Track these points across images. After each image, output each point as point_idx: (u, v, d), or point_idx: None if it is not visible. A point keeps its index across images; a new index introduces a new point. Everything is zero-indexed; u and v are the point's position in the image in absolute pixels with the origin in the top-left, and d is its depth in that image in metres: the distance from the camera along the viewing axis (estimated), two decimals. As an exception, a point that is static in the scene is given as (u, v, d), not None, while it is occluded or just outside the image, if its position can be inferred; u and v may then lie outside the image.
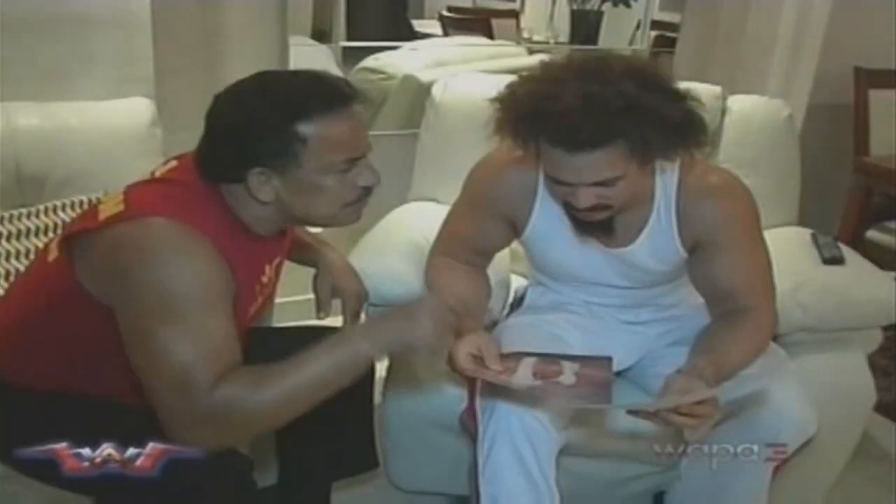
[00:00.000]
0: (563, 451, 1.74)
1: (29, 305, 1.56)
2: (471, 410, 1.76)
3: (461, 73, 2.70)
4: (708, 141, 1.62)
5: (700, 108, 1.57)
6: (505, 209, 1.85)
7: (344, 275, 1.87)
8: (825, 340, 2.03)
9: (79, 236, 1.44)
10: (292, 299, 2.23)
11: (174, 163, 1.57)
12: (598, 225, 1.70)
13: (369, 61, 3.16)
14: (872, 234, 3.09)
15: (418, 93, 3.03)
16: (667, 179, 1.73)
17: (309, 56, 3.03)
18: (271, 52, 2.80)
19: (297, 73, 1.51)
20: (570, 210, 1.68)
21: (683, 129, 1.55)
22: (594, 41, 3.94)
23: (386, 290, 1.94)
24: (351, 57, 3.25)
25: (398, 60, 3.23)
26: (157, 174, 1.56)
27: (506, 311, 2.05)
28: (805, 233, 2.31)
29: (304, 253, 1.88)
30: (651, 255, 1.80)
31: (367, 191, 1.51)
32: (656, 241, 1.78)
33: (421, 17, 3.66)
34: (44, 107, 2.27)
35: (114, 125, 2.30)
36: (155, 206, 1.40)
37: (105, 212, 1.43)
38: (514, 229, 1.88)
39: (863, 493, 2.34)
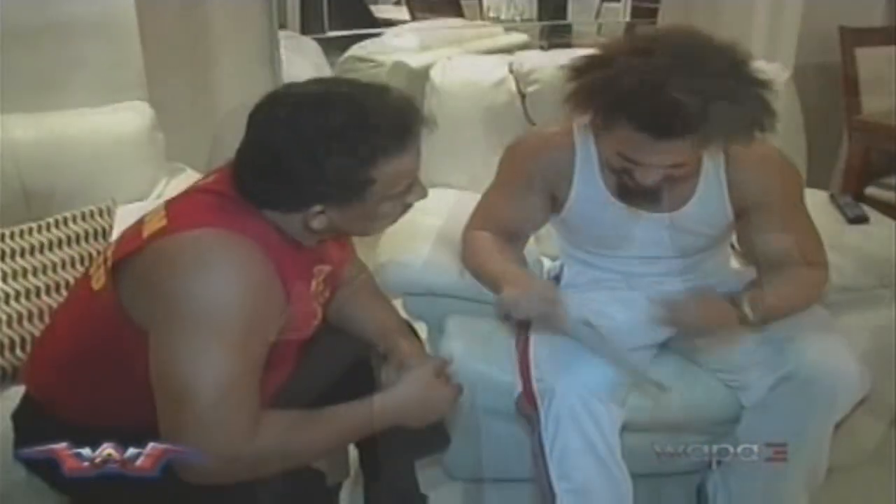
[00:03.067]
0: (624, 428, 1.75)
1: (75, 337, 1.49)
2: (528, 395, 1.75)
3: (456, 57, 2.67)
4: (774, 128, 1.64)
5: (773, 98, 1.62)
6: (546, 184, 1.88)
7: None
8: (861, 300, 2.05)
9: (124, 260, 1.38)
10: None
11: (214, 175, 1.49)
12: (648, 191, 1.72)
13: (356, 50, 3.12)
14: (872, 190, 3.12)
15: (409, 78, 3.02)
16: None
17: (293, 50, 3.00)
18: (260, 47, 2.74)
19: (360, 96, 1.37)
20: (627, 178, 1.71)
21: (762, 122, 1.60)
22: (563, 16, 3.93)
23: (423, 278, 1.96)
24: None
25: (384, 47, 3.19)
26: (199, 185, 1.49)
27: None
28: (822, 195, 2.33)
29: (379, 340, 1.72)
30: (700, 218, 1.84)
31: (411, 205, 1.49)
32: (707, 205, 1.82)
33: (375, 2, 3.62)
34: (40, 118, 2.24)
35: (114, 132, 2.28)
36: (198, 217, 1.36)
37: (149, 229, 1.38)
38: (554, 205, 1.90)
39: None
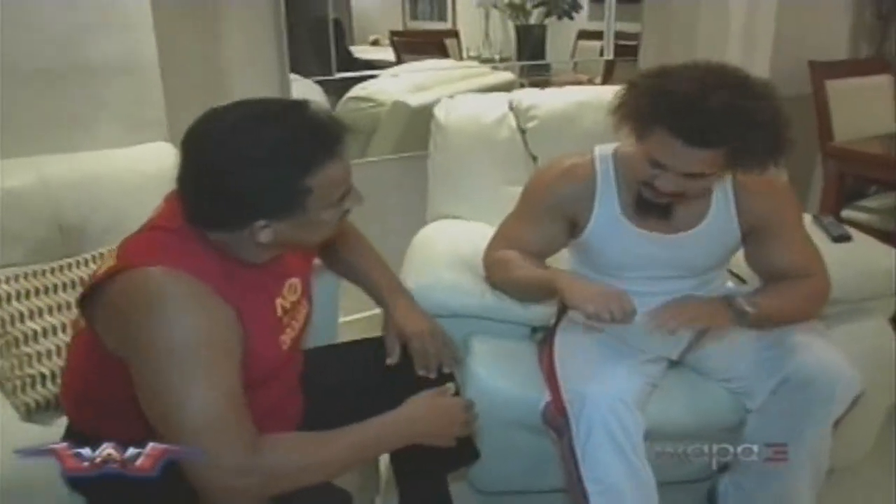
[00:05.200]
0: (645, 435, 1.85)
1: (82, 370, 1.59)
2: (557, 404, 1.86)
3: (457, 96, 2.79)
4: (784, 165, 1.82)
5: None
6: (567, 211, 2.02)
7: (410, 322, 1.83)
8: (849, 311, 2.19)
9: (86, 299, 1.46)
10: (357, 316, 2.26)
11: (164, 206, 1.54)
12: (660, 207, 1.91)
13: (357, 91, 3.24)
14: (848, 213, 3.32)
15: (409, 117, 3.14)
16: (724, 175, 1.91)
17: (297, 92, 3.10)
18: (272, 86, 2.87)
19: (283, 112, 1.43)
20: (646, 189, 1.87)
21: (780, 154, 1.77)
22: (542, 55, 4.04)
23: (448, 300, 2.04)
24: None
25: (383, 88, 3.31)
26: (147, 222, 1.54)
27: (553, 318, 2.14)
28: (806, 216, 2.45)
29: (373, 296, 1.93)
30: (709, 239, 2.00)
31: (349, 212, 1.55)
32: (716, 227, 1.99)
33: (353, 43, 3.71)
34: (71, 157, 2.31)
35: (141, 170, 2.34)
36: (145, 256, 1.40)
37: (103, 268, 1.44)
38: (573, 230, 2.04)
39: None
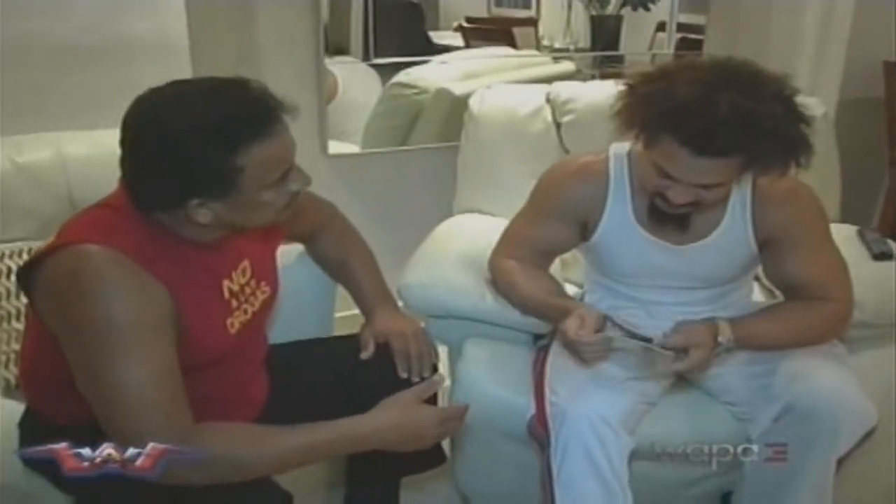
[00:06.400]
0: (632, 456, 1.76)
1: (28, 348, 1.60)
2: (540, 418, 1.78)
3: (495, 85, 2.72)
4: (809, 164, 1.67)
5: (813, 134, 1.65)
6: (578, 213, 1.93)
7: (392, 323, 1.82)
8: (880, 336, 2.04)
9: (23, 275, 1.44)
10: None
11: (116, 184, 1.51)
12: (676, 218, 1.79)
13: (401, 76, 3.17)
14: (913, 228, 3.12)
15: (452, 105, 3.06)
16: (741, 181, 1.79)
17: (352, 74, 3.08)
18: (307, 71, 2.84)
19: (218, 89, 1.41)
20: (659, 200, 1.76)
21: (799, 155, 1.64)
22: (615, 46, 3.94)
23: (444, 301, 2.01)
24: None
25: (429, 74, 3.24)
26: (100, 201, 1.52)
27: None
28: (850, 229, 2.33)
29: (356, 298, 1.92)
30: (722, 251, 1.88)
31: (298, 194, 1.51)
32: (730, 238, 1.87)
33: (436, 28, 3.66)
34: (91, 135, 2.30)
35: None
36: (81, 234, 1.39)
37: (44, 245, 1.43)
38: (584, 232, 1.95)
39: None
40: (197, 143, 1.34)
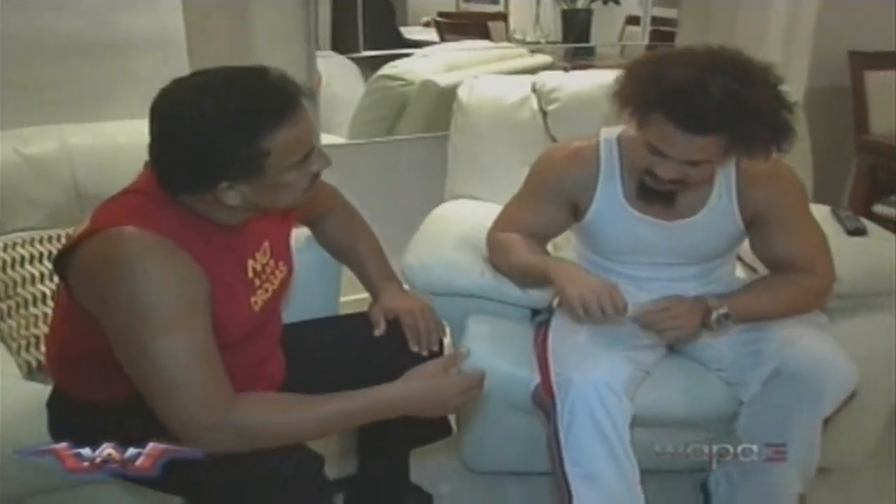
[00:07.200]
0: (632, 422, 1.85)
1: (58, 331, 1.65)
2: (545, 387, 1.88)
3: (482, 76, 2.80)
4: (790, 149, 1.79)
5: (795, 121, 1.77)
6: (570, 195, 2.03)
7: (400, 300, 1.89)
8: (858, 306, 2.16)
9: (60, 261, 1.49)
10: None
11: (143, 173, 1.56)
12: (663, 195, 1.90)
13: (387, 69, 3.25)
14: (879, 208, 3.25)
15: (437, 96, 3.15)
16: (725, 164, 1.91)
17: (334, 68, 3.13)
18: (298, 64, 2.89)
19: (240, 78, 1.46)
20: (648, 177, 1.86)
21: (782, 140, 1.75)
22: (586, 39, 4.02)
23: (447, 279, 2.08)
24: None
25: (414, 67, 3.32)
26: (126, 187, 1.56)
27: (557, 299, 2.14)
28: (824, 209, 2.43)
29: (362, 279, 1.98)
30: (710, 228, 1.99)
31: (319, 175, 1.58)
32: (717, 216, 1.98)
33: (405, 24, 3.73)
34: (94, 127, 2.36)
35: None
36: (116, 218, 1.44)
37: (78, 230, 1.48)
38: (576, 213, 2.05)
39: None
40: (225, 130, 1.39)
